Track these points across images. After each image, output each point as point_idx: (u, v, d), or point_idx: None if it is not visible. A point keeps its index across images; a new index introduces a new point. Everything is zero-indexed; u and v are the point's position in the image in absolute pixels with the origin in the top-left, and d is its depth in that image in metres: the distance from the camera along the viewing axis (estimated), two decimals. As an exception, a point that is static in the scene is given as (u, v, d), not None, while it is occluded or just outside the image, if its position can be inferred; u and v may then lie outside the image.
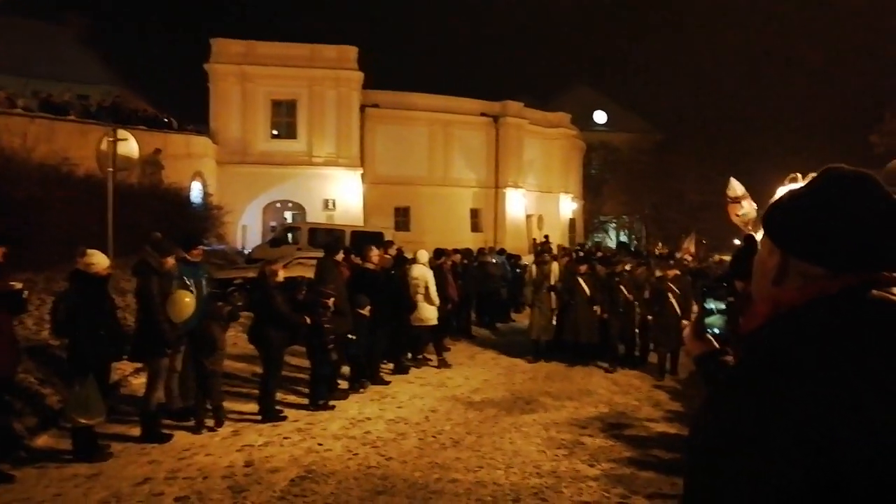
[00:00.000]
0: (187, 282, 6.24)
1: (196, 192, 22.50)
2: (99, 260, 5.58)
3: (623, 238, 43.56)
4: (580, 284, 9.94)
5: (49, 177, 11.34)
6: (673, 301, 9.49)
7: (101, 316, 5.47)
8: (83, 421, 5.27)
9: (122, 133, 9.36)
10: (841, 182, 1.10)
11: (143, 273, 6.03)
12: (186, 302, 5.99)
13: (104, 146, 9.12)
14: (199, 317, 6.34)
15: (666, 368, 9.60)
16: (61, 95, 20.01)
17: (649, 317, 10.02)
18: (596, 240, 40.99)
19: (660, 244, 20.69)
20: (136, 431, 6.04)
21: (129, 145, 9.35)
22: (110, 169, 9.05)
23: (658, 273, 10.52)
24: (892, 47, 22.51)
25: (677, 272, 10.18)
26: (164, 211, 15.38)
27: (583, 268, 10.32)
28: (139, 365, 7.28)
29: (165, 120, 23.01)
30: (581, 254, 13.95)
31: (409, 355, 9.70)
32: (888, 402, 0.91)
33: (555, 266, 11.03)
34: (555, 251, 14.44)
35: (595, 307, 9.88)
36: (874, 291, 1.01)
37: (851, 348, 0.94)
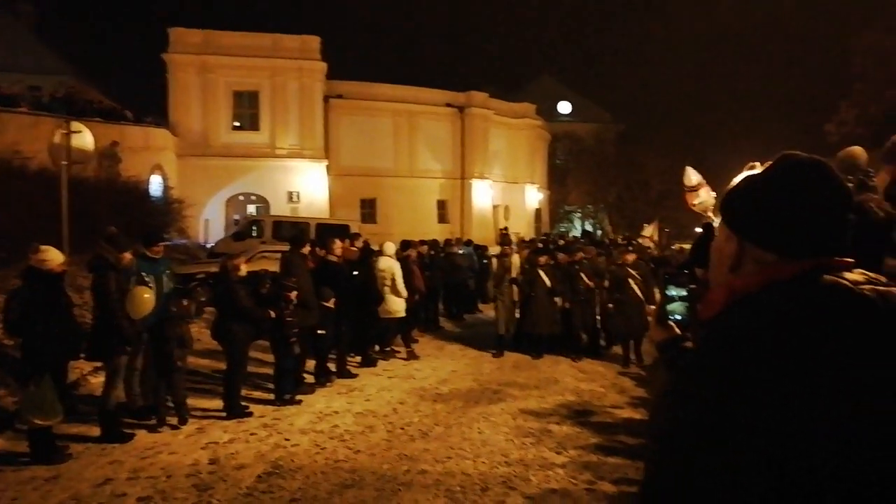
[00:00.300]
0: (146, 278, 6.09)
1: (156, 185, 21.99)
2: (53, 256, 5.40)
3: (588, 227, 44.05)
4: (541, 276, 9.80)
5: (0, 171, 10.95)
6: (634, 287, 9.44)
7: (55, 314, 5.29)
8: (39, 422, 5.12)
9: (76, 125, 9.09)
10: (796, 169, 1.11)
11: (99, 269, 5.85)
12: (145, 298, 5.84)
13: (57, 139, 8.84)
14: (159, 313, 6.20)
15: (630, 357, 9.57)
16: (11, 87, 19.32)
17: (610, 304, 9.88)
18: (562, 229, 41.36)
19: (622, 235, 20.92)
20: (95, 431, 5.88)
21: (84, 138, 9.08)
22: (64, 162, 8.78)
23: (617, 260, 10.46)
24: (849, 40, 23.16)
25: (636, 257, 10.14)
26: (123, 205, 15.00)
27: (543, 259, 10.14)
28: (98, 364, 7.09)
29: (122, 112, 22.39)
30: (540, 245, 13.85)
31: (377, 348, 9.66)
32: (842, 386, 0.93)
33: (515, 258, 10.90)
34: (514, 242, 14.26)
35: (556, 298, 9.78)
36: (826, 276, 1.03)
37: (805, 334, 0.96)
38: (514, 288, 10.28)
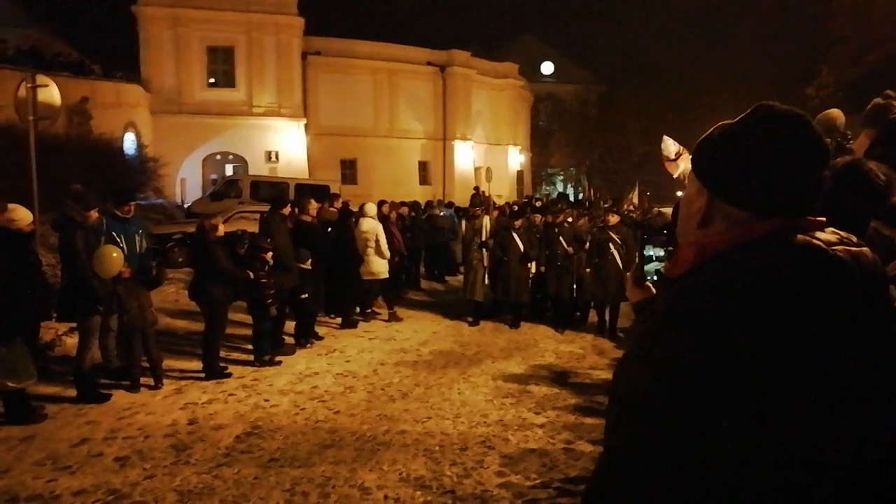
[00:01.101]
0: (116, 237, 5.94)
1: (129, 143, 21.44)
2: (22, 215, 5.23)
3: (570, 190, 44.11)
4: (514, 240, 9.24)
5: (-37, 126, 10.56)
6: (614, 252, 8.87)
7: (25, 275, 5.15)
8: (12, 385, 5.03)
9: (41, 79, 8.71)
10: (774, 121, 1.06)
11: (65, 228, 5.69)
12: (114, 257, 5.68)
13: (23, 93, 8.48)
14: (135, 273, 6.08)
15: (605, 326, 9.11)
16: (-27, 38, 18.52)
17: (587, 269, 9.31)
18: (545, 192, 41.36)
19: (605, 200, 20.52)
20: (71, 392, 5.81)
21: (51, 92, 8.73)
22: (31, 118, 8.45)
23: (599, 222, 9.93)
24: (830, 2, 23.06)
25: (619, 220, 9.52)
26: (95, 163, 14.61)
27: (518, 223, 9.55)
28: (74, 324, 6.98)
29: (91, 66, 21.62)
30: (516, 207, 12.93)
31: (358, 309, 9.64)
32: (814, 346, 0.91)
33: (486, 220, 10.12)
34: (486, 204, 13.27)
35: (529, 264, 9.33)
36: (799, 236, 1.00)
37: (778, 295, 0.93)
38: (485, 252, 9.67)
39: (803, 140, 1.04)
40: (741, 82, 32.13)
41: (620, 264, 8.78)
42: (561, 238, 9.36)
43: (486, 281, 9.67)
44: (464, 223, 10.24)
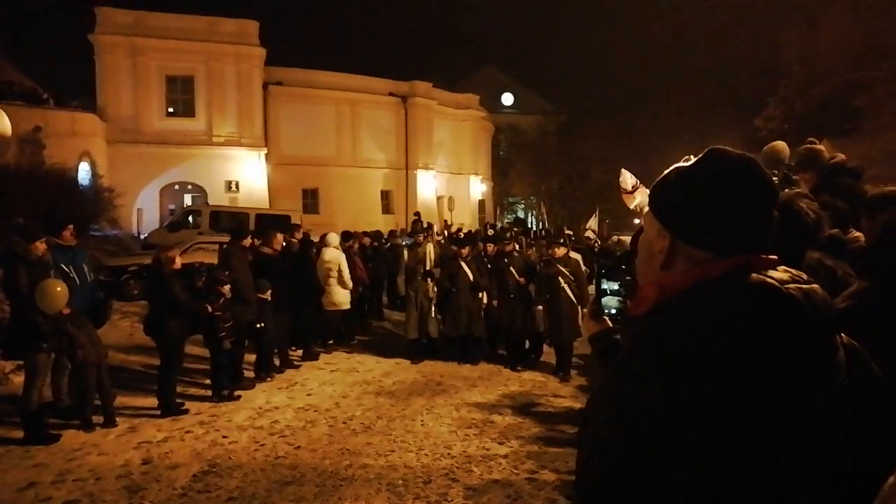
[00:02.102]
0: (65, 269, 5.77)
1: (84, 173, 20.91)
2: (-35, 249, 5.05)
3: (532, 218, 44.62)
4: (463, 269, 8.69)
5: None
6: (565, 286, 8.12)
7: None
8: (-47, 426, 4.79)
9: (-8, 108, 8.51)
10: (724, 165, 1.11)
11: (8, 262, 5.51)
12: (58, 291, 5.47)
13: (-29, 123, 8.27)
14: (85, 305, 5.90)
15: (561, 368, 8.36)
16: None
17: (539, 307, 8.60)
18: (507, 220, 41.77)
19: (559, 228, 19.94)
20: (18, 433, 5.56)
21: (1, 121, 8.52)
22: (-21, 148, 8.22)
23: (545, 255, 9.14)
24: (777, 37, 24.11)
25: (566, 251, 8.66)
26: (48, 194, 14.14)
27: (465, 251, 8.97)
28: (21, 362, 6.71)
29: (45, 96, 21.15)
30: (462, 234, 12.26)
31: (320, 341, 9.51)
32: (770, 382, 0.95)
33: (430, 247, 9.35)
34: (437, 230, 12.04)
35: (480, 294, 8.74)
36: (754, 275, 1.04)
37: (735, 334, 0.96)
38: (430, 283, 8.97)
39: (753, 182, 1.10)
40: (693, 113, 33.25)
41: (573, 298, 8.13)
42: (512, 268, 8.71)
43: (433, 314, 9.06)
44: (405, 251, 9.68)
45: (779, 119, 24.19)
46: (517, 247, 9.70)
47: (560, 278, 8.16)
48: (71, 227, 6.16)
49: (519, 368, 8.58)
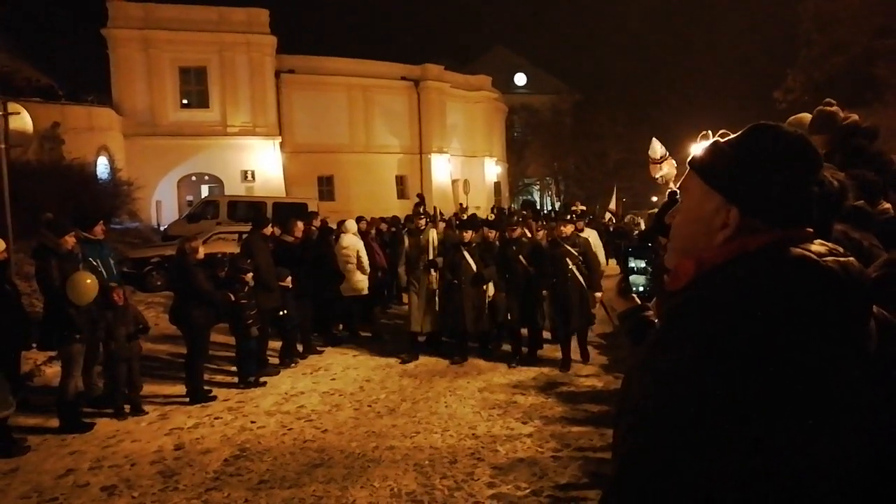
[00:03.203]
0: (93, 262, 5.89)
1: (102, 167, 21.20)
2: (-5, 244, 5.18)
3: (548, 199, 44.43)
4: (466, 258, 7.83)
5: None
6: (573, 268, 7.40)
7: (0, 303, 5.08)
8: (-11, 415, 4.93)
9: (13, 106, 8.66)
10: (783, 138, 1.12)
11: (40, 256, 5.65)
12: (88, 283, 5.60)
13: (-6, 121, 8.40)
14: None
15: (569, 358, 7.57)
16: (-60, 65, 18.24)
17: (544, 292, 7.75)
18: (523, 200, 41.67)
19: (577, 203, 18.84)
20: (54, 422, 5.72)
21: (23, 119, 8.67)
22: (2, 145, 8.36)
23: (550, 235, 8.37)
24: (797, 6, 23.59)
25: (573, 229, 7.86)
26: (68, 188, 14.43)
27: (468, 235, 7.96)
28: (52, 353, 6.88)
29: (61, 92, 21.38)
30: (464, 217, 10.46)
31: (341, 326, 9.60)
32: (808, 356, 0.96)
33: (433, 234, 8.39)
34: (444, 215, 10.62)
35: (485, 286, 7.97)
36: (794, 249, 1.05)
37: (775, 307, 0.97)
38: (433, 273, 8.12)
39: (810, 154, 1.11)
40: (713, 86, 32.81)
41: (582, 281, 7.42)
42: (521, 257, 7.79)
43: (437, 307, 8.21)
44: (406, 238, 8.48)
45: (799, 90, 23.76)
46: (527, 232, 8.75)
47: (568, 259, 7.42)
48: (101, 221, 6.31)
49: (513, 365, 7.76)
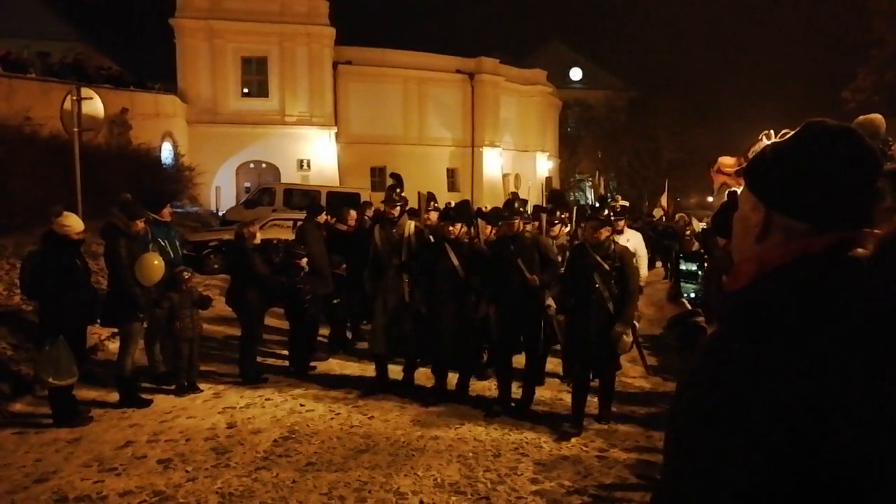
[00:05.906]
0: (161, 243, 6.13)
1: (167, 152, 21.98)
2: (73, 223, 5.42)
3: (590, 195, 43.70)
4: (451, 260, 5.92)
5: (11, 137, 10.97)
6: (601, 287, 5.24)
7: (71, 279, 5.34)
8: (53, 381, 5.17)
9: (86, 91, 9.04)
10: (825, 136, 1.08)
11: (110, 236, 5.89)
12: (155, 265, 5.84)
13: (68, 105, 8.81)
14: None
15: (582, 412, 5.52)
16: (20, 52, 19.18)
17: (559, 316, 5.90)
18: (576, 196, 41.12)
19: (618, 197, 16.51)
20: (114, 396, 6.00)
21: (95, 104, 9.05)
22: (76, 129, 8.76)
23: (579, 239, 6.31)
24: (867, 3, 22.54)
25: (609, 233, 5.51)
26: (135, 172, 15.04)
27: (455, 228, 6.03)
28: (114, 329, 7.19)
29: (129, 79, 22.25)
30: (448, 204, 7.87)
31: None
32: (869, 366, 0.93)
33: (410, 226, 6.38)
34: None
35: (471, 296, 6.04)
36: (858, 251, 1.02)
37: (839, 312, 0.95)
38: (405, 280, 6.19)
39: (857, 153, 1.06)
40: (774, 87, 31.63)
41: (610, 307, 5.25)
42: (520, 260, 5.65)
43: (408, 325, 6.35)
44: (376, 231, 6.50)
45: (869, 90, 22.72)
46: (527, 227, 6.24)
47: (596, 275, 5.28)
48: (169, 204, 6.57)
49: (496, 409, 5.84)
